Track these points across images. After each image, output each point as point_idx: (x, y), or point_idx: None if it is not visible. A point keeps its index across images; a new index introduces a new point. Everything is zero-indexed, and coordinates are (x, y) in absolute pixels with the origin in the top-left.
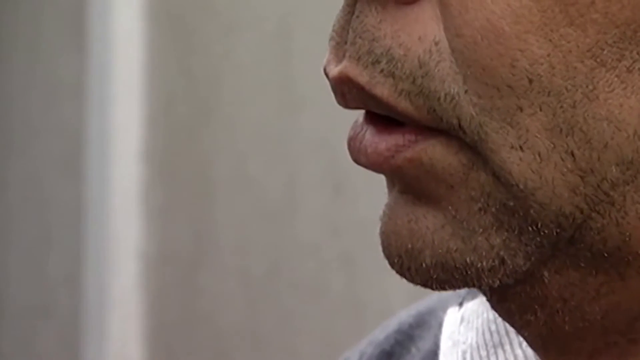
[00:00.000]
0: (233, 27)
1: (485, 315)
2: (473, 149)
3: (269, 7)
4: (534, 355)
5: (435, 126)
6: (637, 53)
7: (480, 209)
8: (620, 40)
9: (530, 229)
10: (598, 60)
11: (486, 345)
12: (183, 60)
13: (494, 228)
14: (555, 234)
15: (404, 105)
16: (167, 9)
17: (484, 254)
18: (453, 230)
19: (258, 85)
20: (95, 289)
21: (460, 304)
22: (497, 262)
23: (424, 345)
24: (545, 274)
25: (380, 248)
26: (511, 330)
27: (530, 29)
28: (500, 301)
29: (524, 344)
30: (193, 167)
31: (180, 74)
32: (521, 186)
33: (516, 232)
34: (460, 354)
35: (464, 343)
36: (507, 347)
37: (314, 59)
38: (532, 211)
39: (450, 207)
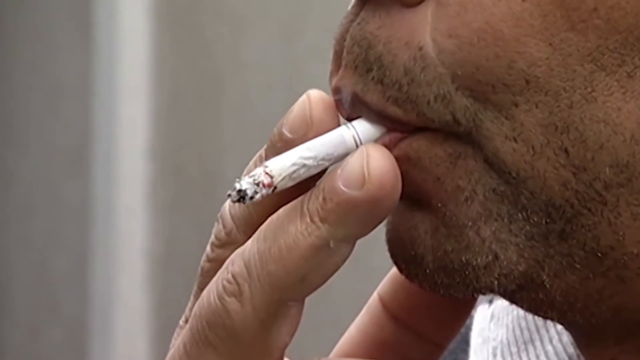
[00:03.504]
0: (240, 25)
1: (515, 312)
2: (462, 139)
3: (275, 5)
4: (564, 352)
5: (425, 127)
6: (639, 59)
7: (466, 199)
8: (622, 47)
9: (519, 215)
10: (598, 64)
11: (516, 341)
12: (190, 57)
13: (482, 219)
14: (544, 223)
15: (392, 110)
16: (173, 6)
17: (476, 249)
18: (447, 231)
19: (265, 84)
20: (102, 287)
21: (490, 302)
22: (490, 257)
23: None
24: (545, 278)
25: (385, 245)
26: (542, 326)
27: (530, 33)
28: (512, 303)
29: (555, 339)
30: (199, 165)
31: (186, 71)
32: (513, 174)
33: (505, 220)
34: (490, 350)
35: (494, 340)
36: (538, 344)
37: (320, 58)
38: (522, 197)
39: (439, 204)
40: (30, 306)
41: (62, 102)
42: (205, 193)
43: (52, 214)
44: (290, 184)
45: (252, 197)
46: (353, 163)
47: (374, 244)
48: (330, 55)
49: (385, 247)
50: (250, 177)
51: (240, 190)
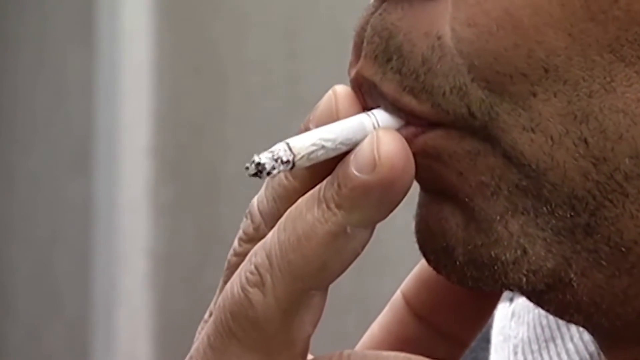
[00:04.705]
0: (242, 24)
1: (536, 310)
2: (478, 134)
3: (277, 4)
4: (585, 350)
5: (438, 120)
6: None
7: (492, 194)
8: None
9: (544, 209)
10: (617, 55)
11: (537, 339)
12: (191, 57)
13: (509, 213)
14: (569, 216)
15: (406, 99)
16: (175, 5)
17: (505, 243)
18: (477, 225)
19: (266, 83)
20: (103, 286)
21: (511, 300)
22: (519, 252)
23: None
24: (573, 277)
25: (388, 246)
26: (562, 324)
27: (549, 22)
28: (538, 305)
29: (575, 337)
30: (201, 164)
31: (188, 71)
32: (533, 166)
33: (531, 214)
34: (511, 348)
35: (515, 337)
36: (559, 341)
37: (321, 57)
38: (544, 191)
39: (466, 199)
40: (32, 305)
41: (64, 101)
42: (207, 192)
43: (54, 212)
44: (307, 164)
45: (269, 172)
46: (364, 147)
47: (378, 246)
48: (333, 54)
49: (388, 249)
50: (269, 152)
51: (258, 164)
